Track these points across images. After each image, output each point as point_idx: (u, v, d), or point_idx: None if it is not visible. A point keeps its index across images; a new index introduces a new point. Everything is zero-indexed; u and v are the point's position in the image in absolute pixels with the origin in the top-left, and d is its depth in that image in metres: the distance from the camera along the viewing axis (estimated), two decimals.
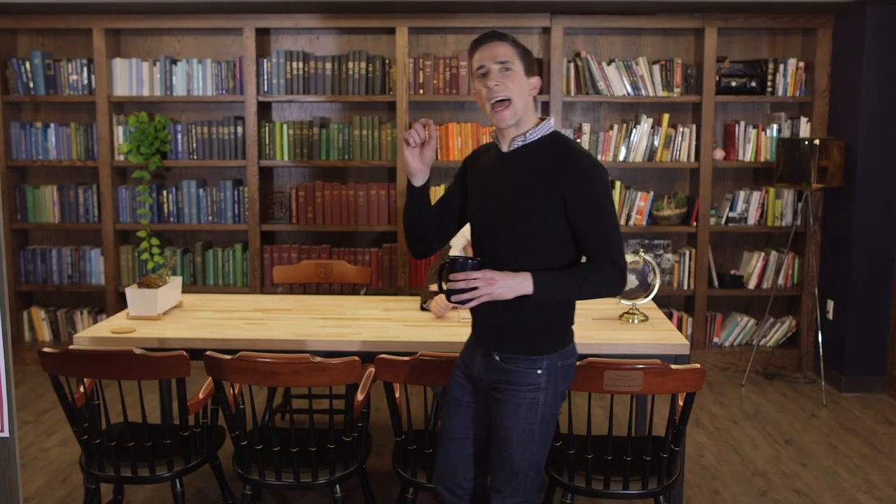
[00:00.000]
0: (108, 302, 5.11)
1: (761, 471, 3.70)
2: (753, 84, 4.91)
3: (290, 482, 2.77)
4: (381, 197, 5.01)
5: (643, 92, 4.91)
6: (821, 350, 4.74)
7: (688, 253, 5.06)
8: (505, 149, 2.29)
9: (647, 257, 3.44)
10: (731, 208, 5.05)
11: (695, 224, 4.99)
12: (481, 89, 2.22)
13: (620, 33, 5.07)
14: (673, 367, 2.55)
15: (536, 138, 2.26)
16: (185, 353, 2.69)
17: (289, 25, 4.90)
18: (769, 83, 4.92)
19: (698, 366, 2.59)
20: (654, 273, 3.40)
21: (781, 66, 4.92)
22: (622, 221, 5.03)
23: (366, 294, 4.19)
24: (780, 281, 5.04)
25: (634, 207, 5.02)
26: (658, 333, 3.20)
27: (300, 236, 5.22)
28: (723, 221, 5.06)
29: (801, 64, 4.93)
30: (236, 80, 4.98)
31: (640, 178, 5.18)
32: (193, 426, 2.89)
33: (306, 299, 3.80)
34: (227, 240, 5.27)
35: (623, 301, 3.44)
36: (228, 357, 2.62)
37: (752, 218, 5.04)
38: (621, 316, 3.43)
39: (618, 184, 5.00)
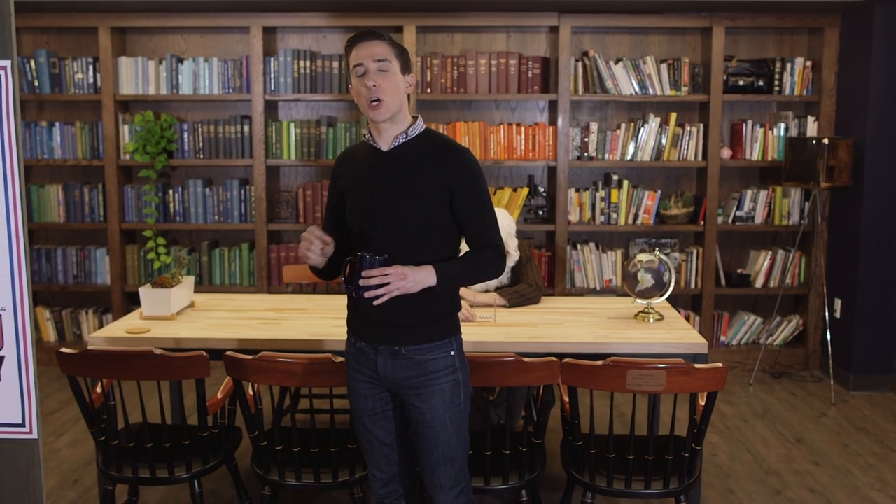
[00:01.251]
0: (114, 302, 5.08)
1: (774, 469, 3.70)
2: (761, 83, 4.91)
3: (311, 483, 2.76)
4: None
5: (651, 91, 4.91)
6: (829, 348, 4.75)
7: (695, 252, 5.06)
8: (385, 147, 2.33)
9: (663, 256, 3.43)
10: (738, 207, 5.05)
11: (702, 223, 4.99)
12: (360, 88, 2.26)
13: (627, 32, 5.07)
14: (696, 366, 2.55)
15: (415, 135, 2.33)
16: (204, 353, 2.67)
17: (296, 24, 4.88)
18: (776, 82, 4.93)
19: (720, 365, 2.59)
20: (670, 272, 3.40)
21: (788, 66, 4.93)
22: (630, 220, 5.03)
23: None
24: (787, 280, 5.05)
25: (642, 206, 5.02)
26: (675, 333, 3.20)
27: None
28: (730, 220, 5.06)
29: (808, 63, 4.94)
30: (243, 78, 4.95)
31: (647, 176, 5.18)
32: (212, 427, 2.88)
33: (319, 299, 3.78)
34: (233, 239, 5.24)
35: (638, 300, 3.44)
36: (249, 357, 2.61)
37: (759, 217, 5.05)
38: (637, 315, 3.43)
39: (625, 183, 5.00)
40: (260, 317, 3.42)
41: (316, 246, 2.30)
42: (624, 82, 4.91)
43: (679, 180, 5.20)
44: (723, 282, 5.11)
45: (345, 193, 2.42)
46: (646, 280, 3.38)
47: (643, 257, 3.43)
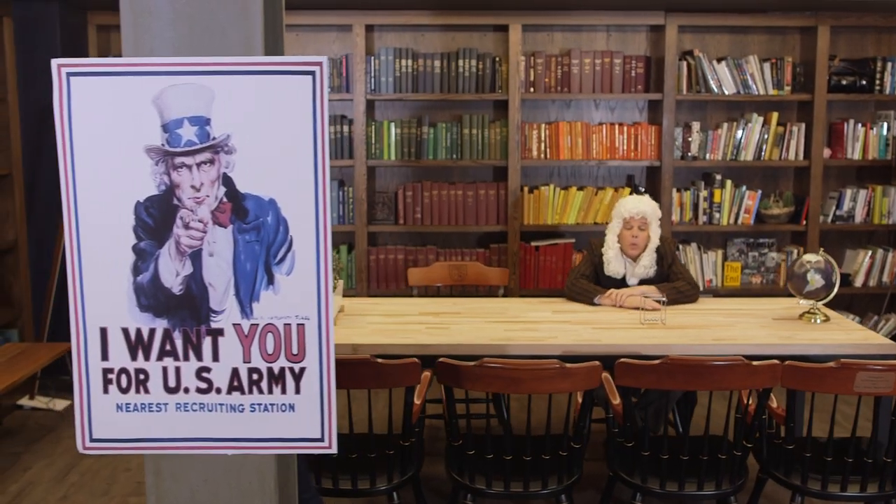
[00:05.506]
0: None
1: None
2: (863, 82, 4.92)
3: (519, 491, 2.69)
4: (489, 196, 4.92)
5: (753, 90, 4.89)
6: None
7: (795, 252, 5.05)
8: None
9: (828, 256, 3.40)
10: (838, 206, 5.05)
11: (804, 223, 4.98)
12: None
13: (727, 31, 5.04)
14: None
15: None
16: (417, 360, 2.60)
17: (400, 22, 4.80)
18: (877, 81, 4.94)
19: None
20: (836, 272, 3.37)
21: (889, 65, 4.93)
22: (731, 221, 5.01)
23: (504, 296, 4.12)
24: (885, 279, 5.06)
25: (742, 206, 5.01)
26: (855, 333, 3.18)
27: (402, 237, 5.09)
28: (829, 220, 5.06)
29: None
30: (342, 78, 4.86)
31: (745, 176, 5.15)
32: (410, 436, 2.79)
33: (465, 302, 3.71)
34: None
35: (802, 301, 3.41)
36: (470, 364, 2.53)
37: (859, 216, 5.05)
38: (801, 315, 3.40)
39: (728, 182, 4.98)
40: (421, 321, 3.35)
41: None
42: (726, 81, 4.89)
43: (776, 180, 5.19)
44: None
45: None
46: (815, 280, 3.35)
47: (811, 258, 3.40)
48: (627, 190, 4.95)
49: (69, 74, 1.76)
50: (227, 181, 1.78)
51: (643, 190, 5.00)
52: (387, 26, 4.94)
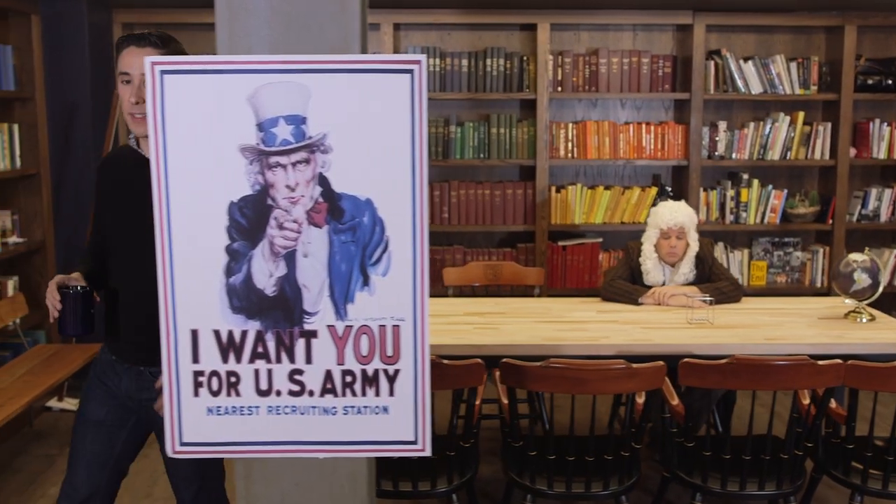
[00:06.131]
0: None
1: None
2: (889, 82, 4.94)
3: (581, 492, 2.68)
4: (517, 196, 4.91)
5: (780, 90, 4.90)
6: None
7: (820, 251, 5.06)
8: (147, 154, 1.97)
9: (874, 256, 3.41)
10: (864, 205, 5.07)
11: (831, 222, 4.99)
12: (124, 95, 2.12)
13: (753, 31, 5.05)
14: None
15: None
16: (481, 361, 2.58)
17: (427, 21, 4.78)
18: None
19: None
20: (882, 272, 3.38)
21: None
22: (758, 220, 5.01)
23: (539, 295, 4.10)
24: None
25: (769, 206, 5.01)
26: None
27: (429, 237, 5.05)
28: (854, 219, 5.07)
29: None
30: None
31: (770, 175, 5.15)
32: (469, 437, 2.77)
33: (509, 302, 3.70)
34: None
35: (847, 300, 3.41)
36: (535, 364, 2.52)
37: (884, 215, 5.07)
38: (847, 315, 3.40)
39: (755, 182, 4.99)
40: (467, 321, 3.33)
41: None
42: (753, 81, 4.89)
43: (802, 179, 5.20)
44: None
45: (104, 204, 2.27)
46: (863, 280, 3.35)
47: (857, 257, 3.40)
48: (654, 189, 4.95)
49: (163, 72, 1.72)
50: (322, 181, 1.75)
51: (669, 189, 5.00)
52: (414, 25, 4.92)
